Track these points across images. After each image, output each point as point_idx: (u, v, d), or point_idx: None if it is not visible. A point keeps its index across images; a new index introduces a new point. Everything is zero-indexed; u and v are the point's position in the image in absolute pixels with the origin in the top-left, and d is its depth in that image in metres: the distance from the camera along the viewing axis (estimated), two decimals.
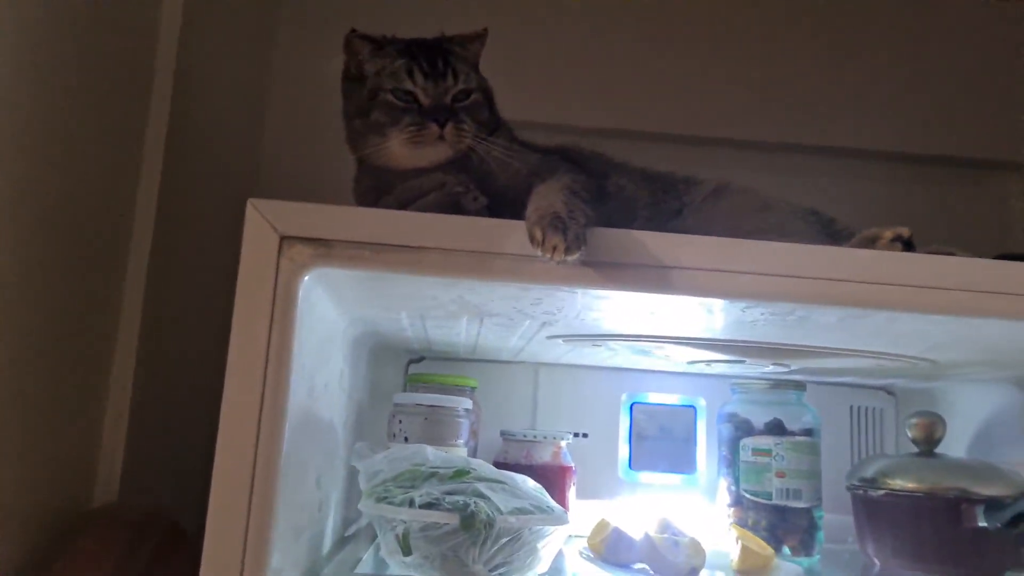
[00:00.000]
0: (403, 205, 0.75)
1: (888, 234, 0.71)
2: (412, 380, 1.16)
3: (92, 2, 0.81)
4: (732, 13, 1.52)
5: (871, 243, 0.72)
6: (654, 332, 0.82)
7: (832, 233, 0.84)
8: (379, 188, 0.79)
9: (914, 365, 0.93)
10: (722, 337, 0.83)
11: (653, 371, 1.23)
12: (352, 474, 0.91)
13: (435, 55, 0.81)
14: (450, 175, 0.76)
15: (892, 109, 1.51)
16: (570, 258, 0.62)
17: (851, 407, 1.27)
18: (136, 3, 0.91)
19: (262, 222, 0.64)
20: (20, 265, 0.71)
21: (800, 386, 1.11)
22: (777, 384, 1.10)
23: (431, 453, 0.87)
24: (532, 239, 0.63)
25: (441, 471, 0.84)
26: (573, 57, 1.47)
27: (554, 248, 0.61)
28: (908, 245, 0.71)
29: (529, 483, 0.88)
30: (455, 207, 0.72)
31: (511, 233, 0.66)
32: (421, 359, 1.24)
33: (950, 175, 1.55)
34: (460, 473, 0.83)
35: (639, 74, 1.49)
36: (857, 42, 1.53)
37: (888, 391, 1.29)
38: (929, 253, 0.73)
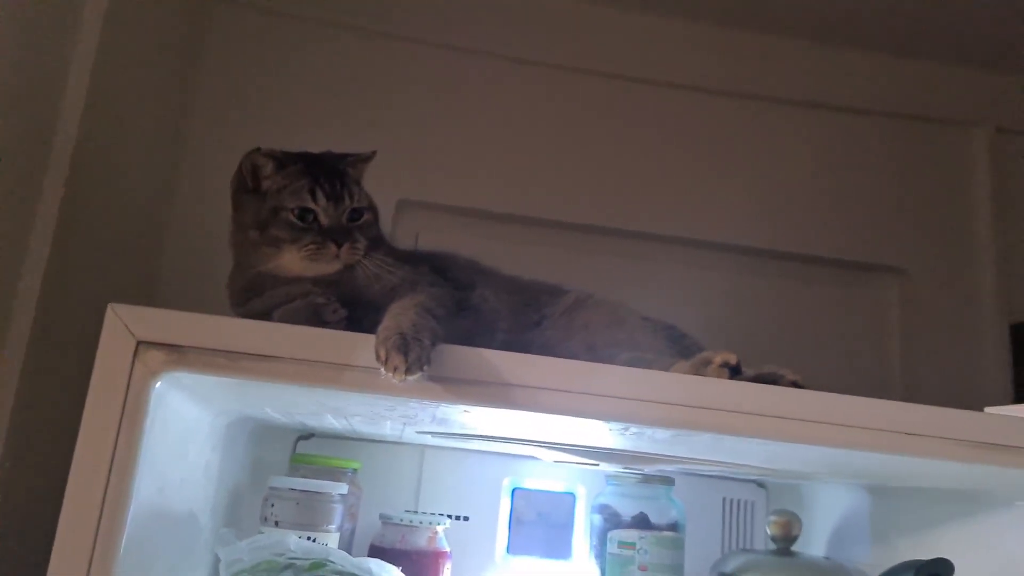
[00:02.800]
0: (269, 308, 0.79)
1: (717, 360, 0.77)
2: (295, 460, 1.17)
3: None
4: (637, 113, 1.62)
5: (704, 366, 0.78)
6: (509, 435, 0.86)
7: (682, 349, 0.90)
8: (251, 289, 0.83)
9: (757, 470, 0.99)
10: (572, 443, 0.88)
11: (537, 459, 1.28)
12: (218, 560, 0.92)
13: (333, 176, 0.86)
14: (316, 286, 0.80)
15: (786, 212, 1.62)
16: (410, 377, 0.66)
17: (723, 499, 1.33)
18: (39, 80, 0.94)
19: (120, 325, 0.67)
20: None
21: (668, 481, 1.17)
22: (647, 479, 1.16)
23: (293, 542, 0.89)
24: (377, 357, 0.67)
25: (298, 562, 0.86)
26: (483, 145, 1.54)
27: (395, 368, 0.65)
28: (735, 371, 0.77)
29: (390, 573, 0.91)
30: (316, 317, 0.76)
31: (362, 346, 0.70)
32: (311, 436, 1.26)
33: (836, 275, 1.65)
34: (316, 565, 0.86)
35: (544, 165, 1.57)
36: (759, 150, 1.64)
37: (759, 484, 1.35)
38: (755, 377, 0.79)
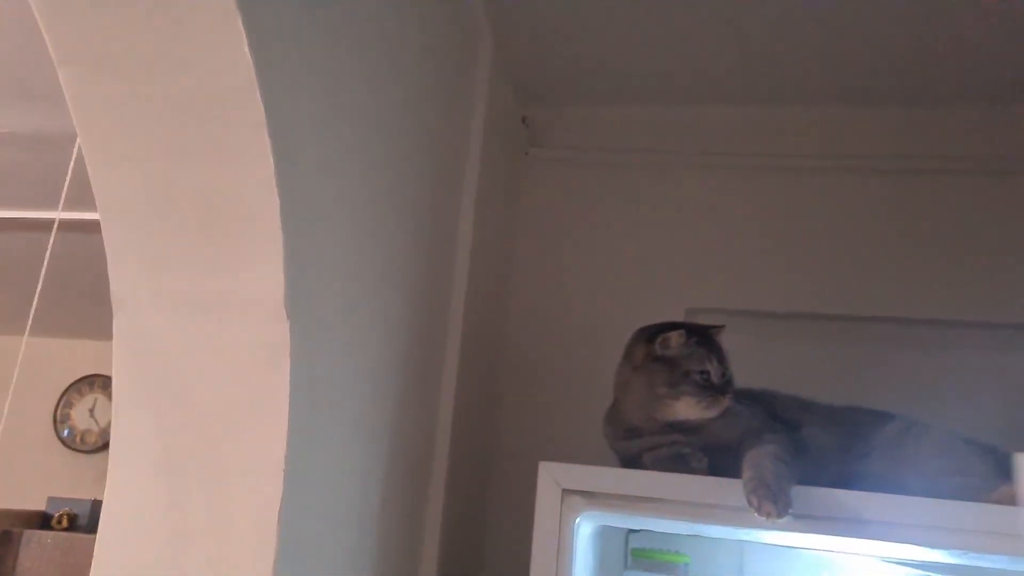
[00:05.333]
0: (641, 450, 1.03)
1: None
2: (636, 555, 1.39)
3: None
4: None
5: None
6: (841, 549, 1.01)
7: (1004, 471, 0.99)
8: (628, 431, 1.08)
9: None
10: (901, 557, 1.01)
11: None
12: None
13: (713, 344, 1.10)
14: (682, 435, 1.02)
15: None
16: (780, 520, 0.85)
17: None
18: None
19: (550, 478, 0.93)
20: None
21: None
22: None
23: None
24: (749, 503, 0.86)
25: None
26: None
27: (768, 513, 0.85)
28: None
29: None
30: (682, 463, 0.98)
31: (727, 490, 0.89)
32: (640, 530, 1.47)
33: None
34: None
35: (820, 263, 1.67)
36: None
37: None
38: None
